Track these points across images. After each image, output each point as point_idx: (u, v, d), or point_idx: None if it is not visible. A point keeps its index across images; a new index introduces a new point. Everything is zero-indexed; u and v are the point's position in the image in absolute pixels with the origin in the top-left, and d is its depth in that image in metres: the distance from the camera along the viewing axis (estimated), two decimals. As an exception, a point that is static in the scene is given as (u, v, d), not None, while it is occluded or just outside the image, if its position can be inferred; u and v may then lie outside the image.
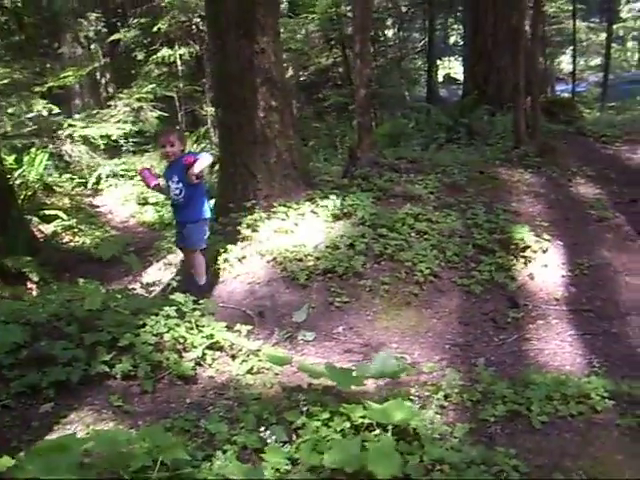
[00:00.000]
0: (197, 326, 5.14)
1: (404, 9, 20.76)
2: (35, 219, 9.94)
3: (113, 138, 8.60)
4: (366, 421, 3.56)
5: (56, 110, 9.26)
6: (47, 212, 10.47)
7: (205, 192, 6.42)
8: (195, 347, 4.86)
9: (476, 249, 6.83)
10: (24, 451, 3.24)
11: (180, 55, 16.45)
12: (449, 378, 4.45)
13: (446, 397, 4.23)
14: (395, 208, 7.45)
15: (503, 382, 4.40)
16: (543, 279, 6.55)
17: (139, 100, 15.71)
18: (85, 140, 8.62)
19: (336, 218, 7.31)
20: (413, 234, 6.96)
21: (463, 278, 6.40)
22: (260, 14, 7.74)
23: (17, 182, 10.86)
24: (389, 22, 21.18)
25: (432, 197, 7.76)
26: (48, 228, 10.00)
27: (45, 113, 8.54)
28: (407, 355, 5.19)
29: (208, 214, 6.41)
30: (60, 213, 10.68)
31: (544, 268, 6.69)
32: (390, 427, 3.48)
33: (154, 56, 16.44)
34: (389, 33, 21.81)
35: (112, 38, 17.23)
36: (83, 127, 8.59)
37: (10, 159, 11.38)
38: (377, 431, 3.50)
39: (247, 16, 7.69)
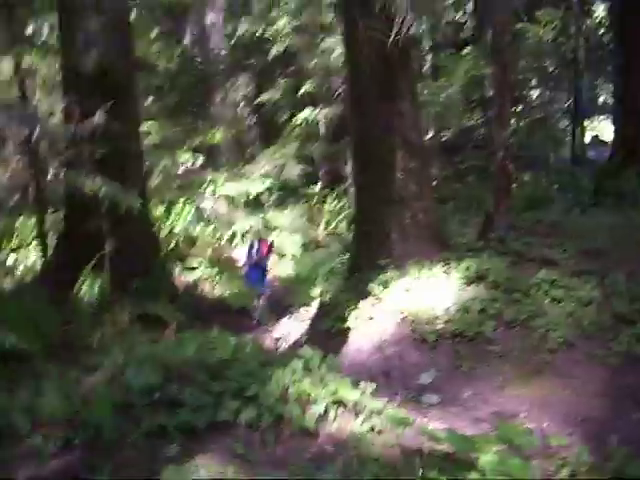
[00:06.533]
0: (322, 381, 5.20)
1: (550, 69, 20.44)
2: (178, 268, 10.49)
3: (251, 195, 9.11)
4: (484, 491, 3.45)
5: (200, 159, 9.90)
6: (190, 262, 11.04)
7: None
8: (318, 402, 4.91)
9: (615, 319, 6.45)
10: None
11: (324, 116, 16.99)
12: (578, 454, 4.23)
13: (572, 474, 4.01)
14: (530, 273, 7.24)
15: (638, 463, 4.12)
16: (690, 352, 6.09)
17: (282, 157, 16.37)
18: (226, 196, 9.15)
19: (469, 281, 7.20)
20: (548, 300, 6.72)
21: (600, 349, 6.06)
22: (399, 79, 7.93)
23: (165, 232, 11.53)
24: (534, 82, 20.87)
25: (570, 263, 7.47)
26: (189, 277, 10.50)
27: (190, 164, 9.19)
28: (535, 426, 4.98)
29: None
30: (201, 263, 11.23)
31: (692, 341, 6.22)
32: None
33: (297, 116, 17.09)
34: (534, 93, 21.44)
35: (260, 100, 18.11)
36: (223, 184, 9.13)
37: (160, 210, 12.12)
38: (495, 503, 3.38)
39: (386, 81, 7.90)
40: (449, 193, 16.71)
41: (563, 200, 12.47)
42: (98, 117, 6.41)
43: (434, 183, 14.89)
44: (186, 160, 9.81)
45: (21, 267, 10.06)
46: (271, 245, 9.62)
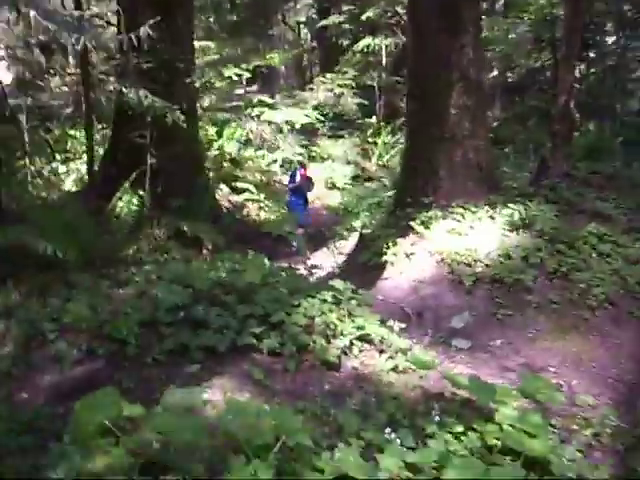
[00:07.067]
0: (350, 315, 5.13)
1: (628, 15, 19.32)
2: (226, 189, 10.44)
3: (298, 124, 8.87)
4: (499, 443, 3.37)
5: (246, 75, 9.62)
6: (236, 184, 10.98)
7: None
8: (344, 335, 4.85)
9: (662, 281, 6.20)
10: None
11: (386, 45, 16.50)
12: (604, 415, 4.11)
13: (595, 435, 3.90)
14: (579, 225, 6.97)
15: (665, 430, 3.99)
16: None
17: (340, 86, 16.03)
18: (275, 122, 8.97)
19: (514, 227, 6.98)
20: (594, 255, 6.47)
21: (642, 310, 5.86)
22: (463, 9, 7.55)
23: (215, 153, 11.44)
24: (609, 27, 19.80)
25: (623, 218, 7.18)
26: (235, 199, 10.47)
27: (244, 85, 8.97)
28: (563, 382, 4.86)
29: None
30: (250, 187, 11.16)
31: None
32: (523, 455, 3.26)
33: (358, 44, 16.63)
34: (609, 40, 20.36)
35: (321, 24, 17.65)
36: (275, 109, 8.93)
37: (212, 130, 12.01)
38: (509, 457, 3.29)
39: (449, 11, 7.53)
40: (508, 134, 16.22)
41: (624, 153, 11.97)
42: (147, 28, 6.27)
43: (494, 124, 14.44)
44: (232, 77, 9.59)
45: (71, 178, 10.18)
46: (309, 177, 9.56)
